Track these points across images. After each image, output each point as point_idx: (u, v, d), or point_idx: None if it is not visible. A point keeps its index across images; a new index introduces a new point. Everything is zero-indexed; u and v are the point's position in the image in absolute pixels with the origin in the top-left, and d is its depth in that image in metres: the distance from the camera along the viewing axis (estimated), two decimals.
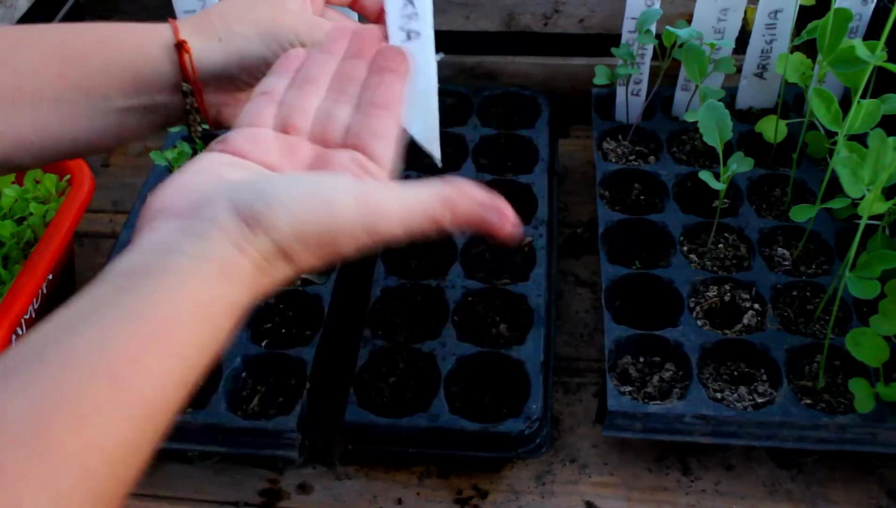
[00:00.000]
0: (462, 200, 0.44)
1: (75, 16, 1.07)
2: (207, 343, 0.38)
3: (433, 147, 0.59)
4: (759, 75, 0.86)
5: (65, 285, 0.78)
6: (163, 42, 0.57)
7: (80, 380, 0.33)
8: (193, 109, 0.60)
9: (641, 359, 0.70)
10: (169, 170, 0.84)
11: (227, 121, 0.63)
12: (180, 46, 0.57)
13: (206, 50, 0.58)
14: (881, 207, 0.64)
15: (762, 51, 0.84)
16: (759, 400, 0.65)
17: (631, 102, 0.88)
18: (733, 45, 0.83)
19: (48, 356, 0.34)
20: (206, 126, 0.93)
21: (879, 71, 0.72)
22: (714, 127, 0.69)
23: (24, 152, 0.58)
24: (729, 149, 0.79)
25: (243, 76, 0.61)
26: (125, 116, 0.59)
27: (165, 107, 0.60)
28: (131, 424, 0.34)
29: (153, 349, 0.35)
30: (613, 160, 0.85)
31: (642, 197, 0.83)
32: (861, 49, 0.61)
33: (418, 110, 0.58)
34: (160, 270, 0.37)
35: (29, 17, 1.05)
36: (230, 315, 0.39)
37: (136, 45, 0.57)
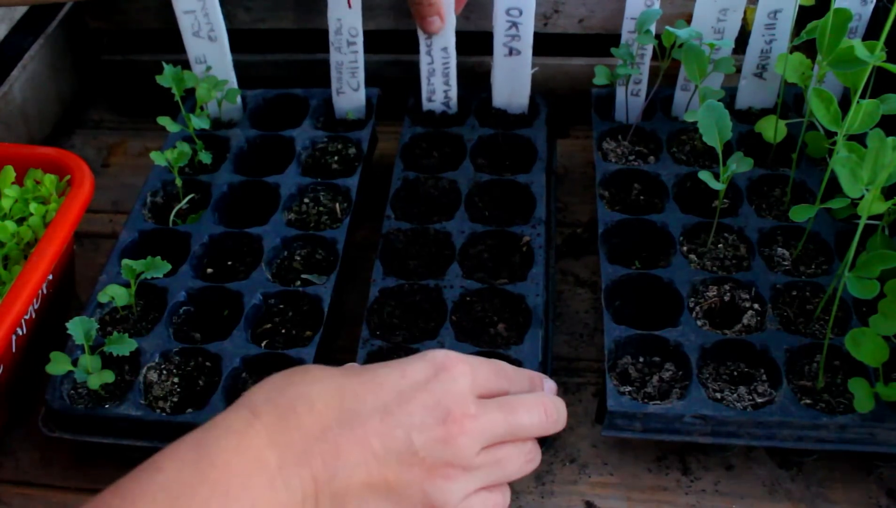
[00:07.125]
0: None
1: (76, 15, 1.07)
2: None
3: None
4: (759, 75, 0.86)
5: (65, 285, 0.78)
6: None
7: None
8: None
9: (641, 359, 0.70)
10: (169, 170, 0.84)
11: None
12: None
13: None
14: (880, 207, 0.64)
15: (762, 51, 0.84)
16: (759, 400, 0.65)
17: (631, 102, 0.88)
18: (733, 45, 0.83)
19: None
20: (206, 127, 0.92)
21: (879, 71, 0.72)
22: (714, 127, 0.69)
23: None
24: (729, 149, 0.79)
25: None
26: None
27: None
28: None
29: None
30: (613, 160, 0.85)
31: (642, 197, 0.83)
32: (860, 49, 0.61)
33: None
34: None
35: (29, 16, 1.05)
36: None
37: None
